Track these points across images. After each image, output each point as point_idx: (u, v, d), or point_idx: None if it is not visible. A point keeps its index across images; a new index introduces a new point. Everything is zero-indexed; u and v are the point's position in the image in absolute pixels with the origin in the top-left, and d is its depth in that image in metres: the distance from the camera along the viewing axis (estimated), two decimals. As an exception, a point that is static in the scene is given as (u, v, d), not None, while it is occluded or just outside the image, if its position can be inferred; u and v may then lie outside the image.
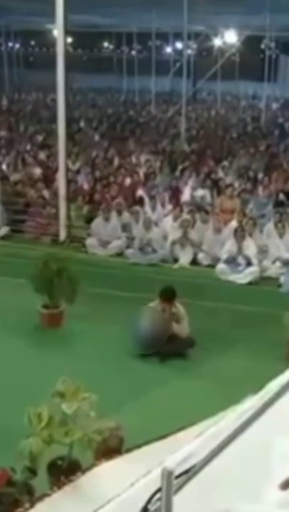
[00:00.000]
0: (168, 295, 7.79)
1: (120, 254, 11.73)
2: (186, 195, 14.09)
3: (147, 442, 4.77)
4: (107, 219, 12.07)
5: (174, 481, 1.64)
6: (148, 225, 11.67)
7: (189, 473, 1.71)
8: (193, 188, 14.26)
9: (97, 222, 12.17)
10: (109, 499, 2.28)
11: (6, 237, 12.65)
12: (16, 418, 4.81)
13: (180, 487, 1.68)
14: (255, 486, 2.14)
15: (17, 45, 49.74)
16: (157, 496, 1.80)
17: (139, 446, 4.75)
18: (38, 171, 16.13)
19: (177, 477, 1.68)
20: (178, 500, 1.66)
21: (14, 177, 15.46)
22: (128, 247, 11.71)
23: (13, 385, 6.69)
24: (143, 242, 11.46)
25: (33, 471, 4.55)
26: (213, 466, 1.76)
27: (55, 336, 8.21)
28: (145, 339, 7.63)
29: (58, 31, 12.15)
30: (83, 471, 4.53)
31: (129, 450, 4.82)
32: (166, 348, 7.60)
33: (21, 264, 9.61)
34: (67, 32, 12.26)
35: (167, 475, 1.58)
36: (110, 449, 4.91)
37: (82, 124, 26.32)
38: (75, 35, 38.04)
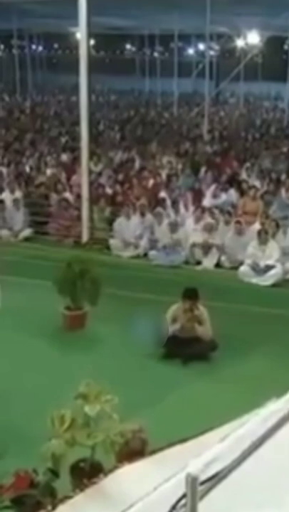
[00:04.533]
0: (191, 295, 7.76)
1: (144, 256, 11.72)
2: (207, 201, 13.97)
3: (171, 445, 4.73)
4: (128, 216, 12.10)
5: (199, 487, 1.61)
6: (174, 228, 11.64)
7: (215, 479, 1.68)
8: (215, 196, 14.13)
9: (120, 221, 12.21)
10: (132, 503, 2.26)
11: (29, 239, 12.73)
12: (39, 420, 4.82)
13: (205, 493, 1.66)
14: (281, 491, 2.10)
15: (40, 48, 50.11)
16: (182, 502, 1.77)
17: (162, 449, 4.71)
18: (59, 173, 16.19)
19: (202, 483, 1.65)
20: (203, 506, 1.63)
21: (37, 179, 15.55)
22: (151, 248, 11.70)
23: (37, 387, 6.71)
24: (167, 243, 11.45)
25: (55, 473, 4.54)
26: (238, 472, 1.73)
27: (78, 338, 8.22)
28: (167, 340, 7.63)
29: (81, 34, 12.17)
30: (106, 474, 4.51)
31: (152, 452, 4.79)
32: (189, 350, 7.58)
33: (44, 266, 9.65)
34: (90, 34, 12.28)
35: (192, 481, 1.55)
36: (133, 451, 4.89)
37: (104, 125, 26.38)
38: (98, 37, 38.23)
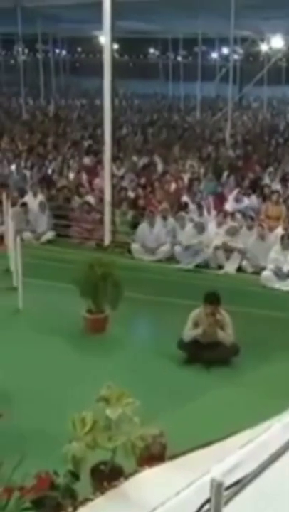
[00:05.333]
0: (212, 299, 7.72)
1: (167, 260, 11.71)
2: (229, 206, 13.90)
3: (191, 449, 4.72)
4: (152, 224, 12.07)
5: (224, 492, 1.60)
6: (200, 229, 11.63)
7: (239, 485, 1.67)
8: (237, 200, 14.06)
9: (142, 227, 12.16)
10: (154, 508, 2.25)
11: (52, 242, 12.78)
12: (60, 422, 4.83)
13: (230, 499, 1.64)
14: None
15: (64, 52, 50.35)
16: (206, 507, 1.76)
17: (183, 454, 4.70)
18: (82, 177, 16.25)
19: (227, 488, 1.64)
20: (227, 512, 1.62)
21: (60, 182, 15.62)
22: (173, 246, 11.72)
23: (57, 390, 6.73)
24: (190, 244, 11.45)
25: (75, 476, 4.55)
26: (262, 477, 1.71)
27: (99, 341, 8.22)
28: (189, 344, 7.61)
29: (105, 38, 12.20)
30: (126, 477, 4.51)
31: (173, 457, 4.78)
32: (210, 355, 7.55)
33: (66, 269, 9.67)
34: (113, 38, 12.30)
35: (217, 486, 1.54)
36: (153, 455, 4.89)
37: (127, 129, 26.43)
38: (121, 41, 38.28)
